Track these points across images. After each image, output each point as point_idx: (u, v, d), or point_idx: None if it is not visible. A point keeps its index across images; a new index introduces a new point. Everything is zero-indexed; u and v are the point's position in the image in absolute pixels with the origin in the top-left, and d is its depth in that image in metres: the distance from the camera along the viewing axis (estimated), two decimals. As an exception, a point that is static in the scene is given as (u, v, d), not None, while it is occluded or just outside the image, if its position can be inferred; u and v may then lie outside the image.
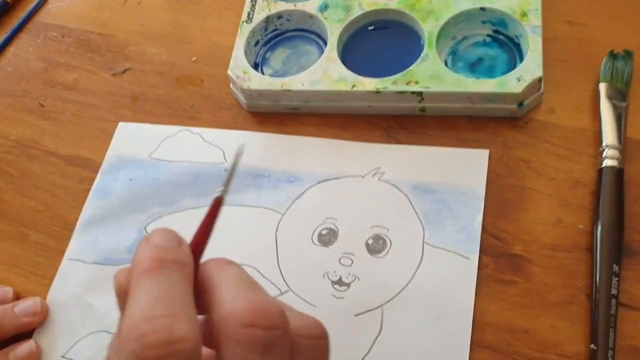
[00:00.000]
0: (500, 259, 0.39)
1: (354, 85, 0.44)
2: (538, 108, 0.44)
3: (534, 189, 0.41)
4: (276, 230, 0.42)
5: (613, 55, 0.43)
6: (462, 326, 0.37)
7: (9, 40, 0.57)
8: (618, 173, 0.39)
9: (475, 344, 0.36)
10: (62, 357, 0.40)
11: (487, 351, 0.36)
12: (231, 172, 0.28)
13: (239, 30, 0.49)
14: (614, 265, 0.36)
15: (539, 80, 0.42)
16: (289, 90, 0.45)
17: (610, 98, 0.41)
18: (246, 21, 0.49)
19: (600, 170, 0.39)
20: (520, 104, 0.42)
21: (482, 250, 0.39)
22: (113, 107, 0.51)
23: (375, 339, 0.37)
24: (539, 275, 0.38)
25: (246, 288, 0.22)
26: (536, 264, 0.38)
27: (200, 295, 0.23)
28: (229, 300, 0.21)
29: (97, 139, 0.50)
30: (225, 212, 0.44)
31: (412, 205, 0.42)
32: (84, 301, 0.42)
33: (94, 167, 0.48)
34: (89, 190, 0.47)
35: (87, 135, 0.50)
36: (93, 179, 0.47)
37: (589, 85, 0.44)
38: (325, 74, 0.45)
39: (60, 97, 0.53)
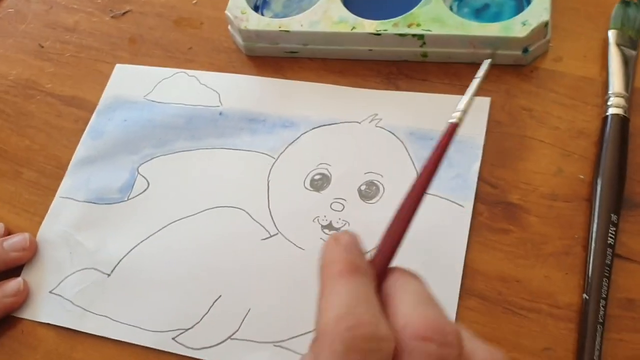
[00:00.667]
0: (495, 207, 0.38)
1: (354, 27, 0.42)
2: (544, 56, 0.42)
3: (535, 138, 0.40)
4: (268, 174, 0.41)
5: (625, 2, 0.41)
6: (452, 273, 0.36)
7: (10, -18, 0.56)
8: (623, 121, 0.37)
9: (465, 292, 0.35)
10: (50, 292, 0.40)
11: (476, 299, 0.35)
12: (472, 95, 0.26)
13: (239, -29, 0.47)
14: (612, 215, 0.34)
15: (545, 25, 0.40)
16: (287, 32, 0.44)
17: (619, 46, 0.39)
18: (247, -38, 0.47)
19: (605, 119, 0.38)
20: (525, 50, 0.41)
21: (477, 198, 0.38)
22: (111, 49, 0.50)
23: (363, 283, 0.36)
24: (535, 225, 0.37)
25: (425, 303, 0.22)
26: (533, 213, 0.37)
27: (382, 305, 0.23)
28: (407, 314, 0.22)
29: (94, 81, 0.49)
30: (218, 155, 0.44)
31: (407, 151, 0.41)
32: (73, 239, 0.41)
33: (90, 108, 0.47)
34: (83, 130, 0.46)
35: (85, 76, 0.49)
36: (88, 120, 0.47)
37: (599, 33, 0.42)
38: (325, 14, 0.43)
39: (59, 39, 0.52)
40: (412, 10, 0.42)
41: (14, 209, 0.44)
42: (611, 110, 0.37)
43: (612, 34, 0.40)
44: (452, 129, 0.27)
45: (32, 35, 0.53)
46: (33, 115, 0.48)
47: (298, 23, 0.44)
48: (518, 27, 0.40)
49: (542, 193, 0.38)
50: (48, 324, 0.39)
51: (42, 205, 0.44)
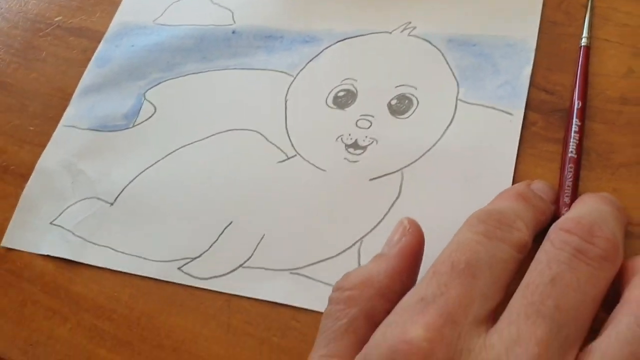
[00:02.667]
0: (551, 115, 0.32)
1: None
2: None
3: (598, 38, 0.33)
4: (286, 94, 0.37)
5: None
6: (499, 189, 0.30)
7: None
8: None
9: (514, 210, 0.30)
10: (51, 223, 0.36)
11: (528, 218, 0.29)
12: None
13: None
14: (700, 110, 0.28)
15: None
16: None
17: None
18: None
19: (687, 5, 0.31)
20: (586, -63, 0.34)
21: (530, 107, 0.32)
22: (123, -23, 0.47)
23: (392, 204, 0.31)
24: (601, 134, 0.31)
25: (590, 214, 0.23)
26: (598, 120, 0.31)
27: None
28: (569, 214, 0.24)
29: (104, 10, 0.45)
30: (230, 76, 0.39)
31: (446, 60, 0.35)
32: (75, 168, 0.38)
33: (99, 38, 0.44)
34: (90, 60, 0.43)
35: (95, 6, 0.46)
36: (96, 50, 0.43)
37: None
38: None
39: (72, -28, 0.49)
40: None
41: (18, 142, 0.41)
42: (695, -8, 0.31)
43: None
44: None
45: (44, -31, 0.50)
46: (41, 48, 0.45)
47: None
48: None
49: (609, 97, 0.32)
50: (47, 256, 0.35)
51: (47, 136, 0.40)
